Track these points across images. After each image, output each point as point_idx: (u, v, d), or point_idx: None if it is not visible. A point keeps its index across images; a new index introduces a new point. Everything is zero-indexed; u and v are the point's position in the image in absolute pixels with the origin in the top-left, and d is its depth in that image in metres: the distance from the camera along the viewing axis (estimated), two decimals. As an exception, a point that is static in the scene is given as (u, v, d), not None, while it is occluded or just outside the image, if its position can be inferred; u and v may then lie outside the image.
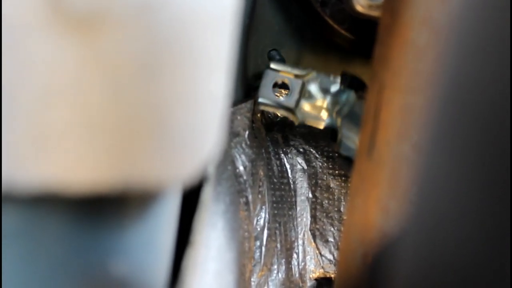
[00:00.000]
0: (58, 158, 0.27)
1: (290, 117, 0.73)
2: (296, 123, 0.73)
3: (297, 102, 0.71)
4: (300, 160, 0.80)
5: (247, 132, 0.77)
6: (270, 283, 0.77)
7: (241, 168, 0.75)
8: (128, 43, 0.27)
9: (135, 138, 0.28)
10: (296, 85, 0.72)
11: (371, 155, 0.52)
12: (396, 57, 0.50)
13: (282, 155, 0.79)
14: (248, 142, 0.77)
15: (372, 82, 0.52)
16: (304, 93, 0.71)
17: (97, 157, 0.27)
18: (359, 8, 0.66)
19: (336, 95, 0.71)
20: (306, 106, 0.72)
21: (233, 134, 0.75)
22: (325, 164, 0.80)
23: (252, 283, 0.75)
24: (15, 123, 0.26)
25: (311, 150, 0.80)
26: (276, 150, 0.79)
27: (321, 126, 0.72)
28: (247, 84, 0.80)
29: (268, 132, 0.79)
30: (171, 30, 0.28)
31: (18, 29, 0.25)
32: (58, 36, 0.25)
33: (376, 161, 0.51)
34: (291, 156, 0.80)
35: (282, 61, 0.79)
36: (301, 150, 0.80)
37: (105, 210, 0.31)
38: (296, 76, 0.72)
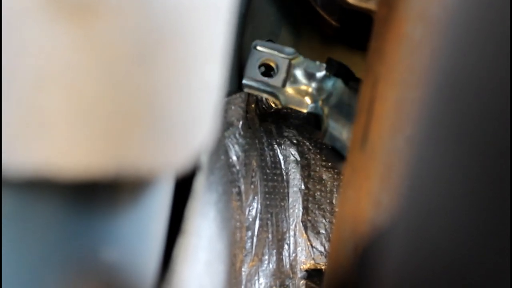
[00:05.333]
0: (51, 143, 0.27)
1: (273, 100, 0.72)
2: (280, 106, 0.73)
3: (284, 82, 0.71)
4: (293, 151, 0.80)
5: (240, 123, 0.77)
6: (260, 274, 0.77)
7: (234, 158, 0.75)
8: (123, 30, 0.27)
9: (128, 124, 0.28)
10: (283, 64, 0.71)
11: (364, 147, 0.52)
12: (391, 50, 0.50)
13: (276, 146, 0.80)
14: (242, 133, 0.77)
15: (367, 75, 0.52)
16: (289, 76, 0.71)
17: (90, 142, 0.27)
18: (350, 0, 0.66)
19: (321, 81, 0.71)
20: (290, 89, 0.71)
21: (226, 124, 0.75)
22: (318, 156, 0.80)
23: (243, 273, 0.75)
24: (8, 107, 0.26)
25: (305, 141, 0.80)
26: (269, 141, 0.79)
27: (304, 110, 0.72)
28: (241, 75, 0.80)
29: (262, 122, 0.79)
30: (166, 17, 0.28)
31: (12, 13, 0.25)
32: (52, 21, 0.25)
33: (369, 154, 0.51)
34: (284, 147, 0.80)
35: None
36: (294, 141, 0.80)
37: (97, 197, 0.31)
38: (283, 57, 0.71)
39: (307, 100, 0.71)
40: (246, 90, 0.72)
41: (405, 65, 0.49)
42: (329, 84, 0.70)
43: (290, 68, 0.71)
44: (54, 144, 0.27)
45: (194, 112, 0.31)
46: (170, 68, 0.28)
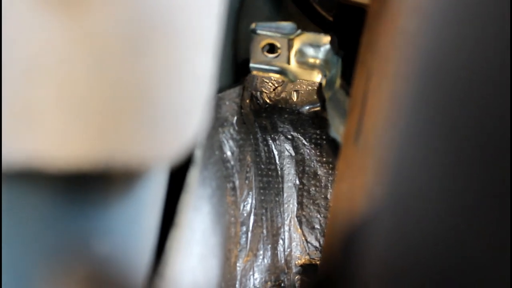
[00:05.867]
0: (41, 134, 0.27)
1: (283, 78, 0.74)
2: (291, 81, 0.75)
3: (288, 59, 0.73)
4: (288, 146, 0.80)
5: (235, 118, 0.77)
6: (255, 269, 0.77)
7: (229, 153, 0.75)
8: (114, 21, 0.26)
9: (119, 116, 0.28)
10: (283, 44, 0.73)
11: (358, 141, 0.52)
12: (384, 44, 0.50)
13: (270, 141, 0.80)
14: (236, 128, 0.77)
15: (360, 68, 0.52)
16: (293, 53, 0.73)
17: (81, 134, 0.27)
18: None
19: (327, 54, 0.72)
20: (297, 65, 0.73)
21: (221, 119, 0.74)
22: (313, 151, 0.80)
23: (238, 268, 0.75)
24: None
25: (299, 137, 0.80)
26: (264, 136, 0.79)
27: (315, 78, 0.73)
28: (236, 69, 0.79)
29: (256, 118, 0.79)
30: (157, 9, 0.28)
31: (4, 3, 0.25)
32: (43, 11, 0.25)
33: (363, 148, 0.51)
34: (279, 143, 0.80)
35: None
36: (289, 136, 0.80)
37: (88, 188, 0.31)
38: (283, 35, 0.73)
39: (316, 72, 0.73)
40: (254, 72, 0.74)
41: (398, 58, 0.49)
42: (334, 58, 0.72)
43: (291, 45, 0.73)
44: (45, 135, 0.27)
45: (185, 105, 0.31)
46: (161, 60, 0.28)
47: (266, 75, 0.76)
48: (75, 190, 0.31)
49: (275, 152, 0.80)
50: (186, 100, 0.31)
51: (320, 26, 0.78)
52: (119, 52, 0.27)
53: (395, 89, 0.49)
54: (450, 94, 0.30)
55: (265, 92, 0.79)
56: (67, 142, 0.27)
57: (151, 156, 0.30)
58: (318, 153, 0.80)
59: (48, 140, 0.27)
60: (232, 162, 0.75)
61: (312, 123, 0.80)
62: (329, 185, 0.80)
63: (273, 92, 0.79)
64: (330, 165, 0.80)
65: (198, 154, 0.64)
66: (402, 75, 0.49)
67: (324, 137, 0.80)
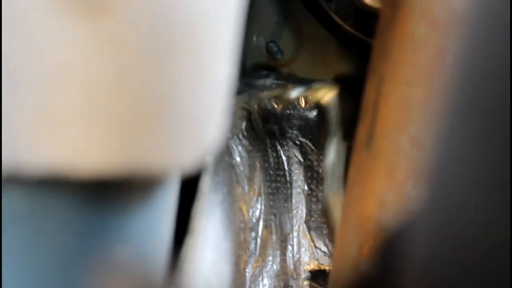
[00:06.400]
0: (65, 141, 0.27)
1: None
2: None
3: None
4: (296, 152, 0.80)
5: (244, 124, 0.77)
6: (264, 274, 0.77)
7: (238, 159, 0.76)
8: (136, 27, 0.27)
9: (142, 123, 0.28)
10: None
11: (369, 147, 0.52)
12: (396, 50, 0.50)
13: (279, 147, 0.80)
14: (245, 134, 0.77)
15: (372, 74, 0.52)
16: None
17: (104, 141, 0.27)
18: (367, 0, 0.66)
19: None
20: None
21: (230, 126, 0.75)
22: (321, 157, 0.80)
23: (247, 274, 0.76)
24: (23, 104, 0.26)
25: (308, 142, 0.80)
26: (272, 142, 0.80)
27: None
28: (244, 76, 0.80)
29: (265, 124, 0.79)
30: (178, 14, 0.28)
31: (28, 10, 0.25)
32: (68, 18, 0.25)
33: (374, 154, 0.52)
34: (287, 149, 0.80)
35: (279, 52, 0.79)
36: (297, 142, 0.80)
37: (109, 196, 0.31)
38: None
39: None
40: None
41: (409, 64, 0.49)
42: None
43: None
44: (69, 142, 0.27)
45: (204, 111, 0.31)
46: (182, 66, 0.29)
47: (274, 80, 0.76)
48: (96, 197, 0.31)
49: (284, 158, 0.80)
50: (205, 106, 0.31)
51: (336, 35, 0.78)
52: (141, 57, 0.27)
53: (405, 95, 0.50)
54: (466, 99, 0.30)
55: (273, 98, 0.79)
56: (90, 149, 0.27)
57: (171, 162, 0.30)
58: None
59: (71, 146, 0.27)
60: (241, 168, 0.75)
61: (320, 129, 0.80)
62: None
63: (282, 97, 0.79)
64: (339, 171, 0.81)
65: (210, 161, 0.64)
66: (412, 81, 0.50)
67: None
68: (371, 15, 0.69)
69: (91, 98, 0.27)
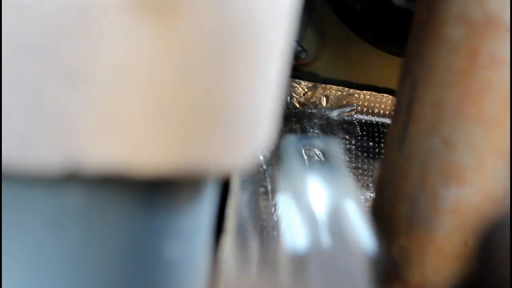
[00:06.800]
0: (127, 139, 0.27)
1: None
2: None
3: None
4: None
5: (267, 122, 0.77)
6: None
7: (260, 157, 0.76)
8: (200, 29, 0.27)
9: (202, 123, 0.28)
10: None
11: (402, 148, 0.52)
12: (430, 52, 0.50)
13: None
14: (268, 132, 0.77)
15: (406, 76, 0.52)
16: None
17: (164, 140, 0.28)
18: (395, 1, 0.66)
19: None
20: None
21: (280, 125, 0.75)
22: (343, 156, 0.81)
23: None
24: (87, 103, 0.26)
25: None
26: (294, 140, 0.80)
27: None
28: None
29: (286, 122, 0.79)
30: (240, 18, 0.28)
31: (96, 10, 0.25)
32: (135, 19, 0.26)
33: (406, 154, 0.52)
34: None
35: (303, 52, 0.79)
36: (318, 141, 0.80)
37: (160, 193, 0.31)
38: None
39: None
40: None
41: (444, 66, 0.49)
42: None
43: None
44: (130, 141, 0.27)
45: (259, 112, 0.31)
46: (242, 68, 0.29)
47: (296, 80, 0.76)
48: (148, 195, 0.31)
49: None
50: (259, 108, 0.31)
51: (359, 35, 0.78)
52: (205, 59, 0.27)
53: (439, 97, 0.50)
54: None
55: (295, 97, 0.79)
56: (151, 148, 0.27)
57: (227, 162, 0.30)
58: (347, 159, 0.81)
59: (132, 146, 0.27)
60: (264, 167, 0.75)
61: (341, 128, 0.80)
62: (357, 191, 0.80)
63: (303, 96, 0.79)
64: (359, 171, 0.81)
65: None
66: (446, 82, 0.50)
67: (353, 142, 0.81)
68: (398, 15, 0.69)
69: (154, 98, 0.27)
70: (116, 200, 0.30)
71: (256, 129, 0.31)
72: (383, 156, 0.55)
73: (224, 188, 0.54)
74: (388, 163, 0.54)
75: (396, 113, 0.53)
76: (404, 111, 0.52)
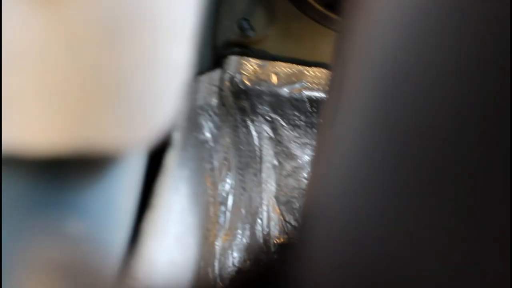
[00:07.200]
0: (20, 121, 0.28)
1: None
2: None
3: None
4: (266, 128, 0.81)
5: (214, 100, 0.78)
6: (234, 247, 0.79)
7: (208, 135, 0.76)
8: (91, 11, 0.27)
9: (96, 103, 0.29)
10: None
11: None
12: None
13: (249, 122, 0.81)
14: (216, 110, 0.78)
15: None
16: None
17: (58, 121, 0.28)
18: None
19: None
20: None
21: (200, 101, 0.75)
22: (291, 132, 0.82)
23: (216, 247, 0.77)
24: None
25: (278, 118, 0.81)
26: (243, 118, 0.80)
27: None
28: (216, 53, 0.80)
29: (236, 100, 0.80)
30: (133, 1, 0.29)
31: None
32: (25, 4, 0.26)
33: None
34: (258, 124, 0.81)
35: (251, 30, 0.80)
36: (268, 118, 0.81)
37: (65, 170, 0.32)
38: None
39: None
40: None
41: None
42: None
43: None
44: (24, 121, 0.28)
45: (159, 91, 0.32)
46: (136, 49, 0.29)
47: (245, 57, 0.77)
48: (51, 172, 0.32)
49: (254, 133, 0.81)
50: (160, 86, 0.32)
51: (306, 14, 0.79)
52: (95, 41, 0.28)
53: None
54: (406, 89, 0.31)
55: (245, 74, 0.80)
56: (45, 128, 0.28)
57: (125, 141, 0.31)
58: (296, 135, 0.82)
59: (27, 126, 0.28)
60: (211, 144, 0.76)
61: (291, 105, 0.81)
62: (306, 166, 0.82)
63: (253, 74, 0.80)
64: (308, 146, 0.82)
65: (177, 137, 0.65)
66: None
67: (303, 118, 0.82)
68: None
69: (46, 80, 0.28)
70: (14, 178, 0.31)
71: (157, 107, 0.32)
72: (316, 133, 0.56)
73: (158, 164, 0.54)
74: (321, 139, 0.55)
75: (329, 91, 0.54)
76: (336, 90, 0.53)
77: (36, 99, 0.28)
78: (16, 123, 0.28)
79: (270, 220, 0.82)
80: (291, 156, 0.82)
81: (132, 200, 0.40)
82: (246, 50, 0.81)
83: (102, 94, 0.29)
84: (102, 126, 0.29)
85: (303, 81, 0.81)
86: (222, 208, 0.78)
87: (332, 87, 0.54)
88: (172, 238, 0.52)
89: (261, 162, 0.81)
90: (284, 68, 0.80)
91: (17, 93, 0.27)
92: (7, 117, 0.27)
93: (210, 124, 0.77)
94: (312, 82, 0.82)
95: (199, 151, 0.73)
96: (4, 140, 0.28)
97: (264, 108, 0.81)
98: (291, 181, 0.82)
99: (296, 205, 0.82)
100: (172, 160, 0.51)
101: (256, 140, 0.81)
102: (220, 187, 0.78)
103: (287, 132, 0.82)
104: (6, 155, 0.28)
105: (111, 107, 0.29)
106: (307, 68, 0.82)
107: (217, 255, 0.77)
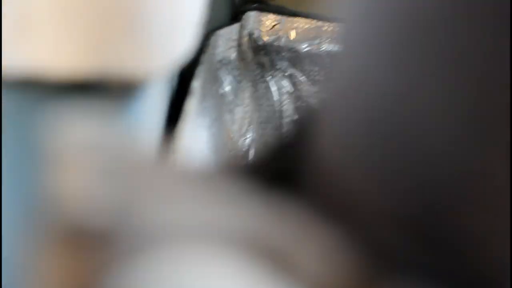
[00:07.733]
0: (38, 44, 0.29)
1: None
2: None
3: None
4: (286, 83, 0.82)
5: (233, 55, 0.79)
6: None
7: (227, 88, 0.78)
8: None
9: (112, 29, 0.30)
10: None
11: None
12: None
13: (269, 78, 0.82)
14: (235, 64, 0.79)
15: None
16: None
17: (75, 45, 0.30)
18: None
19: None
20: None
21: (219, 56, 0.77)
22: (311, 87, 0.82)
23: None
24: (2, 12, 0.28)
25: (297, 74, 0.82)
26: (262, 73, 0.81)
27: None
28: (234, 8, 0.81)
29: (255, 55, 0.81)
30: None
31: None
32: None
33: None
34: (277, 80, 0.82)
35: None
36: (287, 73, 0.82)
37: (87, 97, 0.34)
38: None
39: None
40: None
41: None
42: None
43: None
44: (41, 45, 0.29)
45: (175, 21, 0.33)
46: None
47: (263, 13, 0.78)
48: (74, 97, 0.33)
49: (274, 89, 0.82)
50: (176, 16, 0.33)
51: None
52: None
53: None
54: None
55: (263, 30, 0.80)
56: (61, 52, 0.30)
57: (141, 67, 0.32)
58: (315, 90, 0.82)
59: (43, 49, 0.29)
60: (231, 97, 0.77)
61: (310, 60, 0.82)
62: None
63: (271, 30, 0.81)
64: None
65: (196, 86, 0.67)
66: None
67: (322, 73, 0.82)
68: None
69: (62, 5, 0.29)
70: (39, 103, 0.32)
71: (171, 39, 0.33)
72: None
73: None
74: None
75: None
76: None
77: (51, 22, 0.29)
78: (33, 47, 0.29)
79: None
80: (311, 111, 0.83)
81: (157, 126, 0.41)
82: (265, 5, 0.82)
83: (118, 20, 0.30)
84: (122, 53, 0.31)
85: (322, 36, 0.82)
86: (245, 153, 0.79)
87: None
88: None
89: (281, 116, 0.82)
90: (303, 23, 0.81)
91: (33, 16, 0.29)
92: (27, 41, 0.29)
93: (230, 78, 0.78)
94: (330, 37, 0.82)
95: (220, 103, 0.75)
96: (23, 63, 0.29)
97: (283, 64, 0.82)
98: None
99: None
100: (192, 107, 0.52)
101: (276, 96, 0.82)
102: (241, 141, 0.79)
103: (306, 87, 0.82)
104: (26, 79, 0.30)
105: (129, 35, 0.31)
106: (326, 23, 0.82)
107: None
